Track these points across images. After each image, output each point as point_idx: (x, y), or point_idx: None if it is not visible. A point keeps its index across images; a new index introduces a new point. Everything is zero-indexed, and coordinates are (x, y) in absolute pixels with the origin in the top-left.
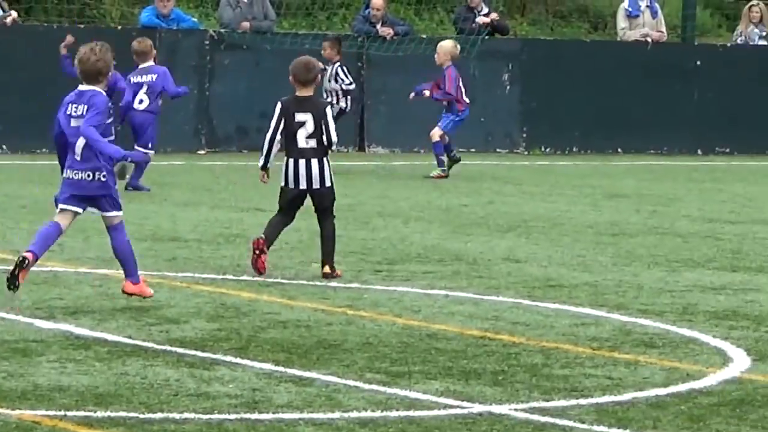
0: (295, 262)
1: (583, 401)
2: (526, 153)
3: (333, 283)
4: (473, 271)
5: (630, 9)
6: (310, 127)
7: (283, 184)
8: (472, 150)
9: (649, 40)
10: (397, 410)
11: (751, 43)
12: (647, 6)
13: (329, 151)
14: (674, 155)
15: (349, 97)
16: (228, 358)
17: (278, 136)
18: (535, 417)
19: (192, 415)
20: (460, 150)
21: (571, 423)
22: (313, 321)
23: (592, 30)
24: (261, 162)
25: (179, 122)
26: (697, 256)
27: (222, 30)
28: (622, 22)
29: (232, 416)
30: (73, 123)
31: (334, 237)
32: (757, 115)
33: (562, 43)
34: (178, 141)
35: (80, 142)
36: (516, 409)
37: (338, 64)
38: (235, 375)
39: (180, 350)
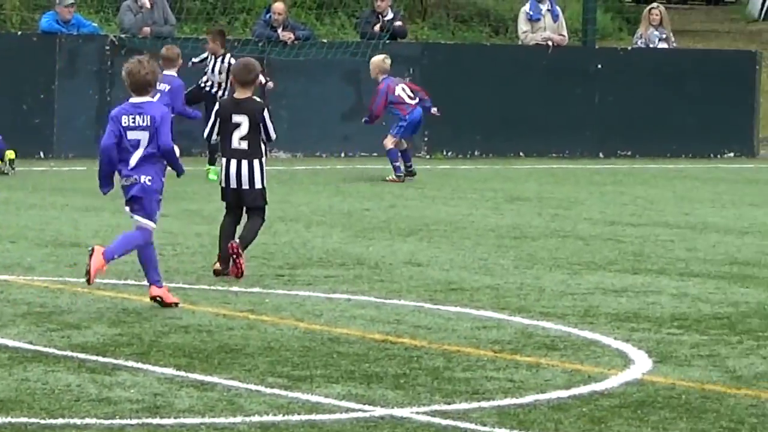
0: (197, 267)
1: (484, 404)
2: (427, 157)
3: (234, 288)
4: (375, 275)
5: (531, 13)
6: (244, 129)
7: (220, 182)
8: (374, 154)
9: (550, 43)
10: (299, 414)
11: (651, 45)
12: (548, 10)
13: (265, 150)
14: (576, 158)
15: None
16: (129, 363)
17: (214, 136)
18: (437, 420)
19: (93, 421)
20: (362, 154)
21: (472, 426)
22: (214, 325)
23: (493, 34)
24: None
25: (80, 127)
26: (599, 259)
27: (122, 35)
28: (523, 25)
29: (134, 421)
30: (130, 135)
31: (255, 231)
32: (658, 118)
33: (463, 47)
34: (80, 146)
35: (137, 153)
36: (418, 413)
37: (228, 55)
38: (137, 380)
39: (81, 356)
